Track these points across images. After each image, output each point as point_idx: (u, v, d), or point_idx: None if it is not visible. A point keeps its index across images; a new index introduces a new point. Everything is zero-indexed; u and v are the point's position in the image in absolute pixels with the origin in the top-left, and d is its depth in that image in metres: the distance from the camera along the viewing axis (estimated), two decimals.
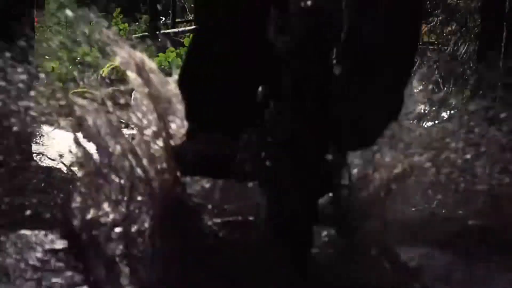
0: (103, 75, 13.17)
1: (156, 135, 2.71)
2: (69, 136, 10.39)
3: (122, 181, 2.51)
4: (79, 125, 3.22)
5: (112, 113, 3.23)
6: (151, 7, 15.38)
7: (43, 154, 7.33)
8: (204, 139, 2.52)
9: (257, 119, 2.23)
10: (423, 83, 9.85)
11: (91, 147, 2.84)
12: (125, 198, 2.38)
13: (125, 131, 10.67)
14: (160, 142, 2.70)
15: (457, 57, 9.09)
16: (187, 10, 17.44)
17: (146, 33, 16.09)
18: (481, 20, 8.16)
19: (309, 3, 2.12)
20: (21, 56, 6.33)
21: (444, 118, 8.42)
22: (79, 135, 3.01)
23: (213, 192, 2.51)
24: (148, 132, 2.74)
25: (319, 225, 2.11)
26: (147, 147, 2.68)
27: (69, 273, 1.89)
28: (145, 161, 2.57)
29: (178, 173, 2.55)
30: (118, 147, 2.67)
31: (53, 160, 7.22)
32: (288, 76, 2.19)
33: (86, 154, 2.73)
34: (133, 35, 15.66)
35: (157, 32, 14.79)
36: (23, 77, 6.25)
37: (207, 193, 2.46)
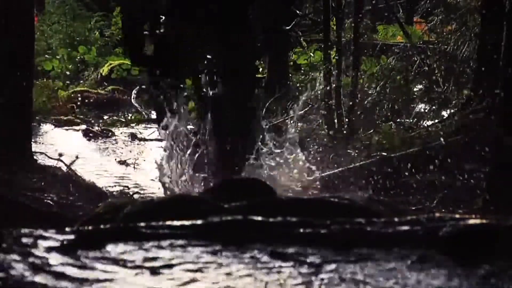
0: (103, 74, 13.18)
1: None
2: (69, 134, 10.43)
3: None
4: None
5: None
6: None
7: (43, 153, 7.33)
8: None
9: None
10: (424, 82, 9.86)
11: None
12: None
13: (125, 129, 10.74)
14: None
15: (457, 56, 9.08)
16: None
17: (146, 32, 16.04)
18: (481, 20, 8.16)
19: None
20: (22, 54, 6.33)
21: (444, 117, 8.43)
22: None
23: None
24: None
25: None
26: None
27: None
28: None
29: None
30: None
31: (53, 159, 7.23)
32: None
33: None
34: None
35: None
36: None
37: None
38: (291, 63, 11.96)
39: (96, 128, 10.01)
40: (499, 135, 5.06)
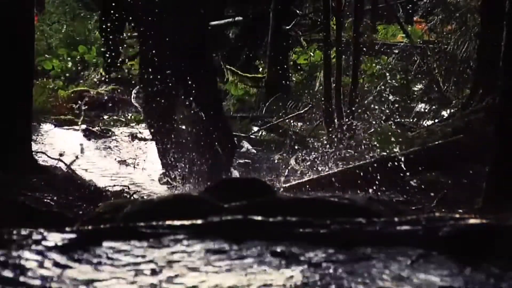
0: (103, 73, 13.17)
1: None
2: (69, 134, 10.40)
3: None
4: None
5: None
6: None
7: (43, 153, 7.33)
8: None
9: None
10: (424, 82, 9.85)
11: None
12: None
13: (125, 129, 10.72)
14: None
15: (457, 56, 9.08)
16: None
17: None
18: (481, 20, 8.16)
19: None
20: (21, 55, 6.33)
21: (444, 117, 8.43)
22: None
23: None
24: None
25: None
26: None
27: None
28: None
29: None
30: None
31: (53, 159, 7.23)
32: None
33: None
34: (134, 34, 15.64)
35: None
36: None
37: None
38: (291, 63, 11.95)
39: (96, 128, 10.00)
40: (498, 134, 5.05)
